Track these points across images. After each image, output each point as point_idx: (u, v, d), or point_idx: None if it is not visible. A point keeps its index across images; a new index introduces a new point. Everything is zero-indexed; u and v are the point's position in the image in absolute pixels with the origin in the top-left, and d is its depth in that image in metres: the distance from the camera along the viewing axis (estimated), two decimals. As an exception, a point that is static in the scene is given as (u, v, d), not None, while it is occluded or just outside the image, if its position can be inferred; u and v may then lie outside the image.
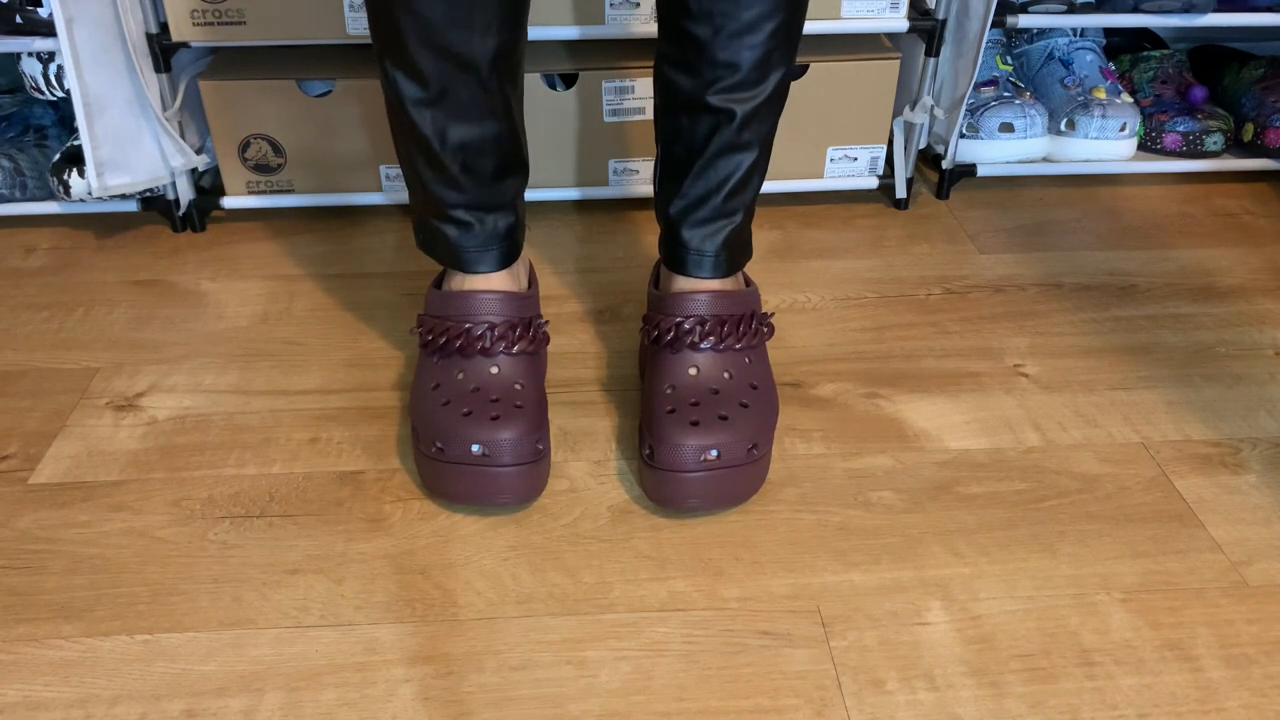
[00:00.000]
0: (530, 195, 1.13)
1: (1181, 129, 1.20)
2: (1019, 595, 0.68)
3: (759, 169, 0.77)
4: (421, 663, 0.63)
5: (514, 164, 0.77)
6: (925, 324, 0.97)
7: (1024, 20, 1.08)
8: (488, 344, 0.75)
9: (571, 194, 1.14)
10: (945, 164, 1.17)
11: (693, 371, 0.75)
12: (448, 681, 0.62)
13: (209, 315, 0.97)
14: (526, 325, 0.77)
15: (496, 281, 0.78)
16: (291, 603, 0.67)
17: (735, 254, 0.78)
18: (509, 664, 0.63)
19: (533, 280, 0.84)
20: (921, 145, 1.16)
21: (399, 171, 1.11)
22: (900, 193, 1.16)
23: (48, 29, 0.96)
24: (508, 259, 0.78)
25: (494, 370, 0.75)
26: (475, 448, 0.70)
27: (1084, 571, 0.70)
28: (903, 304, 1.00)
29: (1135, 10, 1.10)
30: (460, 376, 0.75)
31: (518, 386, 0.75)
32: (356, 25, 1.02)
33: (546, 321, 0.81)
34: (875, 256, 1.08)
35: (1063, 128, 1.18)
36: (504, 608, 0.67)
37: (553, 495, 0.76)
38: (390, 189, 1.13)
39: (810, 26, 1.05)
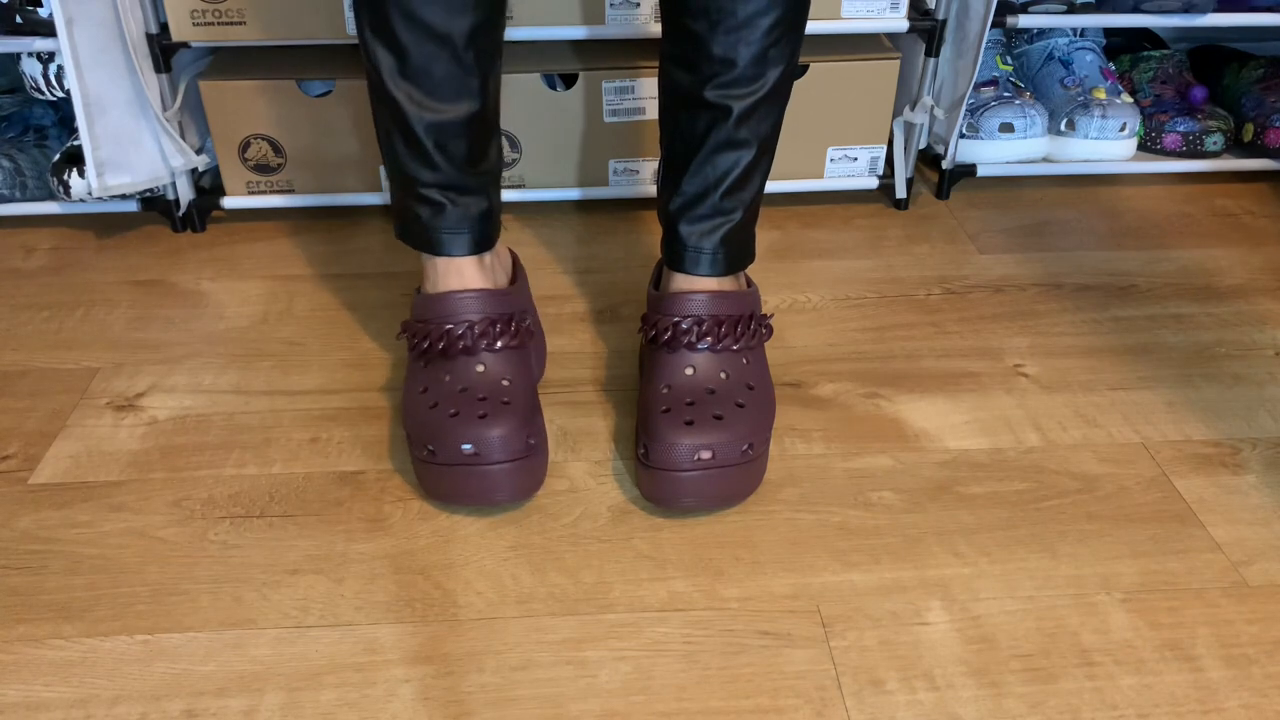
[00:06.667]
0: (530, 195, 1.13)
1: (1181, 129, 1.20)
2: (1019, 595, 0.68)
3: (759, 168, 0.77)
4: (421, 663, 0.63)
5: (488, 151, 0.77)
6: (925, 324, 0.97)
7: (1024, 20, 1.09)
8: (469, 342, 0.75)
9: (571, 194, 1.14)
10: (945, 164, 1.17)
11: (689, 371, 0.75)
12: (448, 681, 0.62)
13: (209, 315, 0.97)
14: (508, 320, 0.77)
15: (470, 275, 0.77)
16: (291, 603, 0.67)
17: (734, 253, 0.78)
18: (509, 664, 0.63)
19: (518, 276, 0.84)
20: (921, 145, 1.16)
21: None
22: (900, 193, 1.16)
23: (48, 29, 0.96)
24: (481, 245, 0.78)
25: (479, 369, 0.75)
26: (465, 447, 0.70)
27: (1084, 571, 0.70)
28: (903, 304, 1.00)
29: (1135, 10, 1.10)
30: (447, 379, 0.75)
31: (505, 383, 0.74)
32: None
33: (529, 317, 0.80)
34: (875, 256, 1.08)
35: (1063, 128, 1.18)
36: (504, 608, 0.67)
37: (553, 495, 0.76)
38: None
39: (810, 26, 1.05)
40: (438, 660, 0.64)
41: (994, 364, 0.91)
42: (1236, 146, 1.23)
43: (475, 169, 0.76)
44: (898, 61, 1.09)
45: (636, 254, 1.08)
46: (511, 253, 0.87)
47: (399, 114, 0.72)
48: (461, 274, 0.77)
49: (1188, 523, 0.74)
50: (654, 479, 0.72)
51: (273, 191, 1.12)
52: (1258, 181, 1.24)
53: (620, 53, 1.10)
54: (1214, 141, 1.19)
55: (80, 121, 0.98)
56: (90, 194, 1.03)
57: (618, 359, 0.91)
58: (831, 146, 1.14)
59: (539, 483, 0.75)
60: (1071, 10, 1.11)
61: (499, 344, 0.76)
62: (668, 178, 0.79)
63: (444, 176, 0.75)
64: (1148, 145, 1.22)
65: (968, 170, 1.18)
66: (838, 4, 1.06)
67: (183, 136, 1.07)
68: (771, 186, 1.15)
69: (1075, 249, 1.10)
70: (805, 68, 1.08)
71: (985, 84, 1.19)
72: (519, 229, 1.13)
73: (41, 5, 0.96)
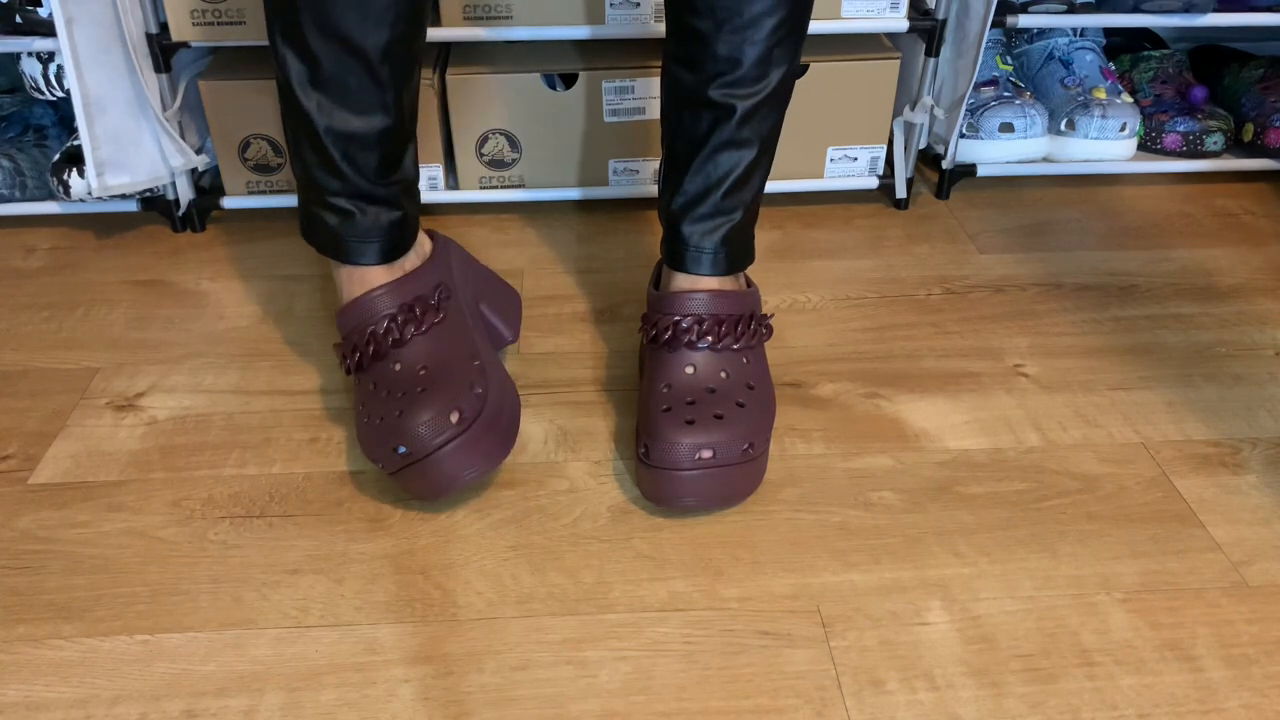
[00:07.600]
0: (530, 195, 1.13)
1: (1181, 129, 1.20)
2: (1019, 595, 0.68)
3: (760, 168, 0.77)
4: (421, 663, 0.63)
5: (401, 162, 0.75)
6: (925, 324, 0.97)
7: (1024, 20, 1.09)
8: (381, 349, 0.74)
9: (572, 194, 1.14)
10: (945, 164, 1.17)
11: (689, 370, 0.75)
12: (448, 681, 0.62)
13: (209, 315, 0.97)
14: (410, 308, 0.75)
15: (375, 280, 0.75)
16: (291, 603, 0.67)
17: (735, 252, 0.78)
18: (509, 664, 0.63)
19: (435, 251, 0.80)
20: (921, 145, 1.16)
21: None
22: (900, 193, 1.16)
23: (48, 29, 0.96)
24: (390, 253, 0.76)
25: (396, 368, 0.73)
26: (400, 449, 0.69)
27: (1084, 571, 0.70)
28: (903, 304, 1.00)
29: (1135, 10, 1.10)
30: (372, 388, 0.74)
31: (421, 371, 0.73)
32: (356, 25, 1.02)
33: (442, 289, 0.77)
34: (875, 256, 1.08)
35: (1063, 128, 1.18)
36: (504, 608, 0.67)
37: (553, 495, 0.76)
38: (390, 189, 1.12)
39: (810, 26, 1.04)
40: (438, 660, 0.64)
41: (994, 364, 0.91)
42: (1236, 146, 1.23)
43: (386, 180, 0.74)
44: (898, 61, 1.09)
45: (636, 254, 1.08)
46: (430, 233, 0.83)
47: (307, 123, 0.70)
48: (365, 280, 0.75)
49: (1188, 523, 0.74)
50: (654, 478, 0.72)
51: (273, 191, 1.12)
52: (1258, 181, 1.24)
53: (621, 52, 1.10)
54: (1214, 141, 1.19)
55: (80, 121, 0.98)
56: (90, 194, 1.03)
57: (618, 359, 0.91)
58: (831, 146, 1.14)
59: (501, 445, 0.72)
60: (1071, 10, 1.11)
61: (407, 332, 0.74)
62: (669, 177, 0.79)
63: (353, 186, 0.73)
64: (1148, 145, 1.22)
65: (968, 170, 1.18)
66: (838, 4, 1.06)
67: (182, 136, 1.07)
68: (771, 186, 1.15)
69: (1075, 249, 1.10)
70: (805, 68, 1.08)
71: (985, 84, 1.19)
72: (519, 229, 1.13)
73: (41, 5, 0.96)
